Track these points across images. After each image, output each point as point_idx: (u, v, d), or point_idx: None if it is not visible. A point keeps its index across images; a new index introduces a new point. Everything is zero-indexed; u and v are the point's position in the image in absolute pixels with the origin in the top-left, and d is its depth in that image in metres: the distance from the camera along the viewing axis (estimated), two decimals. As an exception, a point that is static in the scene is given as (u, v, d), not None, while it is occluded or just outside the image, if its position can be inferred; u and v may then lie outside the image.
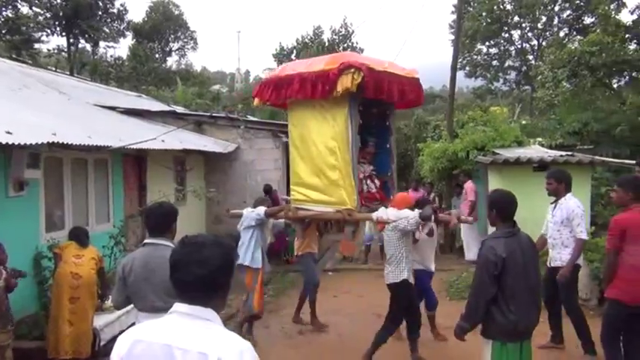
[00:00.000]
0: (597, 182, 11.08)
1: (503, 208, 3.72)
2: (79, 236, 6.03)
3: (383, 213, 5.65)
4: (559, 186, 5.76)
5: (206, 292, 1.82)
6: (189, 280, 1.81)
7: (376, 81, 5.55)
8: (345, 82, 5.37)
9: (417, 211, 5.45)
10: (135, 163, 9.40)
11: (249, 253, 6.43)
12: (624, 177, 5.35)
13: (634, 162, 10.35)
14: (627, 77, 19.74)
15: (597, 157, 9.97)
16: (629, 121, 16.05)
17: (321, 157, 5.96)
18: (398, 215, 5.49)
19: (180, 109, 15.38)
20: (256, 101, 6.51)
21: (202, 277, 1.80)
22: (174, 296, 2.07)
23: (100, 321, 6.07)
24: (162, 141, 8.84)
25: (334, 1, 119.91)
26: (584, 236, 5.62)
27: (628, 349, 4.62)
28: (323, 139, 5.92)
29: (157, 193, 8.94)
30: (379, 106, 6.46)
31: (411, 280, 5.62)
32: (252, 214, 6.50)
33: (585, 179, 9.19)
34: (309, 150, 6.09)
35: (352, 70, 5.34)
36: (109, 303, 6.47)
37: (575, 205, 5.65)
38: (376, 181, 6.43)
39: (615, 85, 20.68)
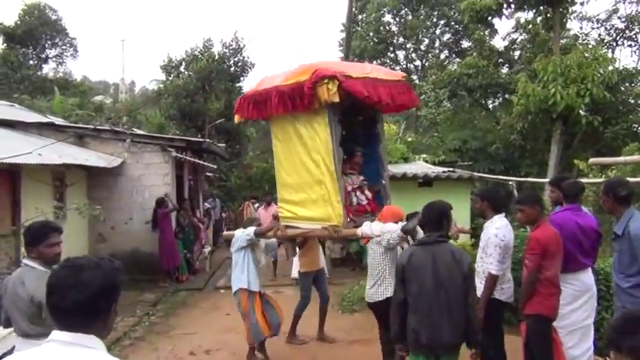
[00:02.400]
0: (475, 197, 11.94)
1: (424, 217, 4.06)
2: None
3: (367, 228, 5.35)
4: (482, 204, 5.14)
5: (85, 319, 1.73)
6: (66, 305, 1.71)
7: (357, 87, 5.29)
8: (322, 94, 5.16)
9: (400, 224, 5.17)
10: (7, 178, 8.73)
11: (243, 275, 6.21)
12: (524, 194, 5.43)
13: (508, 178, 11.31)
14: (500, 98, 21.53)
15: (476, 173, 10.77)
16: (503, 139, 17.51)
17: (305, 171, 5.75)
18: (382, 229, 5.22)
19: (59, 121, 14.48)
20: (237, 118, 6.28)
21: (79, 302, 1.71)
22: (37, 323, 2.01)
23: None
24: (39, 155, 8.32)
25: (224, 15, 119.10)
26: (494, 270, 4.75)
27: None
28: (307, 152, 5.71)
29: (34, 211, 8.36)
30: (365, 113, 6.24)
31: None
32: (242, 235, 6.29)
33: (465, 194, 9.87)
34: (293, 164, 5.90)
35: (325, 80, 5.13)
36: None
37: (492, 232, 4.90)
38: (367, 192, 6.16)
39: (490, 106, 22.45)
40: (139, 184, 11.88)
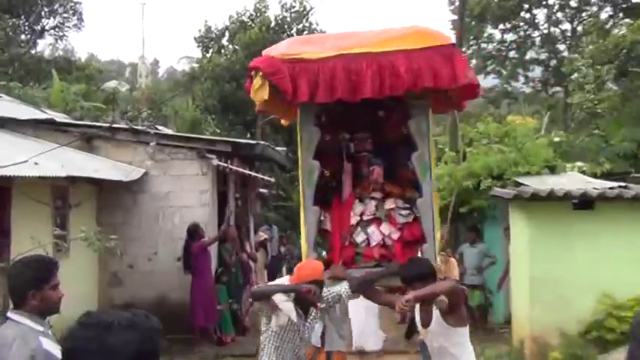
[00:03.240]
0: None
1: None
2: None
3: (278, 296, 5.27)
4: None
5: None
6: None
7: (284, 83, 5.23)
8: (252, 94, 5.45)
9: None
10: (-7, 196, 9.21)
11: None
12: None
13: None
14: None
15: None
16: None
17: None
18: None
19: (60, 117, 15.17)
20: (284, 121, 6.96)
21: None
22: None
23: None
24: (36, 164, 8.71)
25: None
26: None
27: None
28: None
29: (29, 242, 8.76)
30: (388, 107, 5.97)
31: None
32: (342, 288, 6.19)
33: (645, 222, 9.48)
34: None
35: (252, 73, 5.36)
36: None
37: None
38: (387, 226, 5.81)
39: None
40: (167, 205, 12.24)
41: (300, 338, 5.31)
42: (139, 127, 13.32)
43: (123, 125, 13.27)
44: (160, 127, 16.37)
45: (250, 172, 15.84)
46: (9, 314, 3.62)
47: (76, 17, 34.46)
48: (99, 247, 9.93)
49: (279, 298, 5.06)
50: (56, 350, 3.41)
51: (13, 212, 9.49)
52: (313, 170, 5.65)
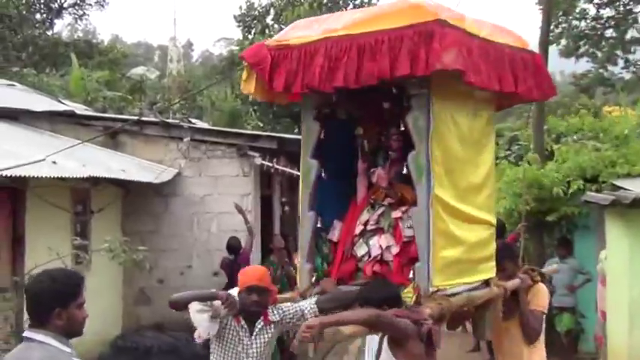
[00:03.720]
0: None
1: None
2: None
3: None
4: None
5: None
6: None
7: (293, 64, 5.23)
8: (242, 86, 5.73)
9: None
10: (6, 200, 9.41)
11: None
12: None
13: None
14: None
15: None
16: None
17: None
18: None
19: (80, 108, 15.44)
20: None
21: None
22: None
23: None
24: (54, 163, 8.87)
25: None
26: None
27: None
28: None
29: (45, 252, 8.93)
30: (393, 96, 5.77)
31: None
32: None
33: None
34: None
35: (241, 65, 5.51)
36: None
37: None
38: (387, 238, 5.60)
39: None
40: (203, 211, 12.36)
41: (246, 354, 5.04)
42: (171, 121, 13.47)
43: (152, 118, 13.40)
44: (194, 121, 16.54)
45: (299, 173, 15.86)
46: (29, 334, 3.54)
47: (97, -7, 35.00)
48: (124, 260, 10.06)
49: (193, 308, 4.82)
50: None
51: (27, 218, 9.68)
52: (311, 170, 5.58)
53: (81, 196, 10.95)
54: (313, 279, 5.56)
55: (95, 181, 10.50)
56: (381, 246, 5.47)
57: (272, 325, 5.01)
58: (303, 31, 5.42)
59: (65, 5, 34.59)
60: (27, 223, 9.66)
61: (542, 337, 5.35)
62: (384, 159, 5.85)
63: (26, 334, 3.57)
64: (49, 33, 33.10)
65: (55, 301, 3.49)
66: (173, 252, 12.00)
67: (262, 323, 4.98)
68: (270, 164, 12.79)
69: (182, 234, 12.19)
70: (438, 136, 5.07)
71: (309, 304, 5.10)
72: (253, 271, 5.28)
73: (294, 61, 5.16)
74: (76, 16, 35.40)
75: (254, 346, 5.07)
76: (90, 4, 34.94)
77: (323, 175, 5.72)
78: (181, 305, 4.85)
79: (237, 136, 13.04)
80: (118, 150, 12.52)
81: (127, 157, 12.34)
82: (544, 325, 5.37)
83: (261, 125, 21.90)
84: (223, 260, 11.32)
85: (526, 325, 5.03)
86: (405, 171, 5.48)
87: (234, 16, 29.73)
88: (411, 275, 5.18)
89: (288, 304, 5.15)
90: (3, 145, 9.78)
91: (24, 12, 30.66)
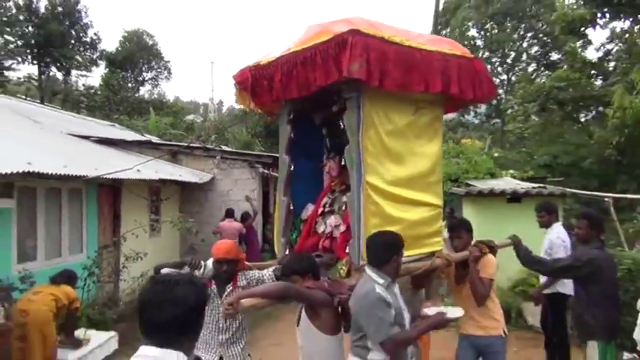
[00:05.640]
0: (568, 214, 11.37)
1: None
2: (55, 276, 5.94)
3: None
4: (550, 217, 6.19)
5: (177, 334, 1.74)
6: (162, 320, 1.73)
7: (264, 80, 4.26)
8: (238, 102, 4.88)
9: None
10: (110, 193, 9.34)
11: None
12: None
13: (604, 194, 10.72)
14: (594, 112, 20.45)
15: (568, 190, 10.28)
16: (597, 154, 16.62)
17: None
18: None
19: (155, 139, 15.35)
20: None
21: (176, 316, 1.73)
22: None
23: (70, 356, 5.98)
24: (138, 171, 8.85)
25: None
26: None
27: None
28: None
29: (133, 223, 8.89)
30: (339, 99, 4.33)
31: None
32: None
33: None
34: None
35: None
36: (82, 335, 6.40)
37: (555, 235, 6.06)
38: (335, 218, 4.54)
39: (583, 120, 21.40)
40: (228, 199, 12.31)
41: (218, 311, 3.98)
42: (209, 146, 13.45)
43: (198, 145, 13.39)
44: (223, 147, 16.49)
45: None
46: (368, 270, 3.34)
47: (166, 71, 34.81)
48: (180, 227, 10.05)
49: (164, 272, 3.64)
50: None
51: (122, 204, 9.62)
52: (285, 164, 4.57)
53: (155, 190, 10.89)
54: (287, 251, 4.57)
55: (163, 182, 10.45)
56: (331, 225, 4.48)
57: (239, 289, 3.95)
58: (274, 52, 4.28)
59: (146, 78, 34.39)
60: (122, 206, 9.61)
61: (495, 300, 4.46)
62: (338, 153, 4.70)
63: (366, 270, 3.37)
64: (137, 95, 32.83)
65: (393, 250, 3.31)
66: (210, 224, 11.82)
67: (231, 287, 4.01)
68: (268, 172, 12.76)
69: (215, 213, 12.10)
70: (369, 132, 3.92)
71: (268, 273, 4.12)
72: (222, 246, 4.09)
73: (264, 79, 4.22)
74: (153, 85, 35.20)
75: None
76: (161, 78, 34.78)
77: (292, 168, 4.61)
78: (157, 270, 3.88)
79: (248, 155, 13.04)
80: (177, 164, 12.47)
81: (182, 167, 12.30)
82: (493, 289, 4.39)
83: (263, 149, 21.78)
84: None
85: (475, 291, 4.20)
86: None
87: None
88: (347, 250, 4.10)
89: (255, 271, 4.15)
90: (108, 160, 9.74)
91: (121, 82, 30.37)
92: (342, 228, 4.32)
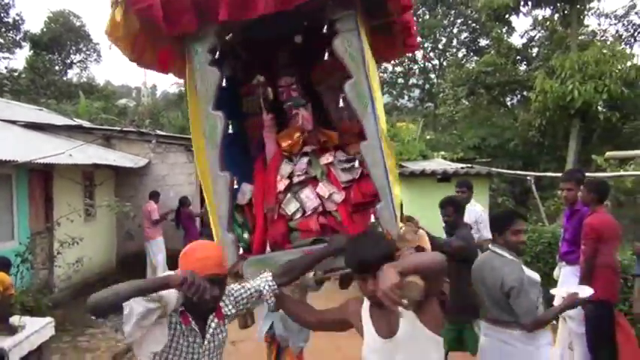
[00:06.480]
0: (494, 193, 12.03)
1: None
2: None
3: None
4: (470, 193, 6.52)
5: None
6: None
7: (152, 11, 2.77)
8: (110, 31, 2.88)
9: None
10: (41, 178, 9.08)
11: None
12: (589, 179, 5.39)
13: (526, 173, 11.39)
14: (519, 95, 21.52)
15: (493, 169, 10.86)
16: (521, 136, 17.56)
17: (197, 158, 3.23)
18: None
19: (86, 124, 14.91)
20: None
21: None
22: (506, 310, 2.75)
23: (6, 343, 5.88)
24: (70, 155, 8.65)
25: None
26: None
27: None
28: (192, 122, 3.22)
29: (66, 209, 8.71)
30: (307, 30, 3.17)
31: None
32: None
33: (484, 190, 9.96)
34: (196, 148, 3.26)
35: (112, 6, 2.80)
36: (17, 322, 6.29)
37: (481, 208, 6.54)
38: (327, 186, 3.23)
39: (509, 103, 22.44)
40: (164, 184, 12.16)
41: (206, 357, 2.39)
42: (144, 130, 13.22)
43: (132, 129, 13.13)
44: (158, 131, 16.23)
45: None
46: (490, 247, 3.53)
47: (96, 54, 33.62)
48: (118, 211, 9.93)
49: (136, 310, 2.07)
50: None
51: (54, 189, 9.39)
52: (216, 124, 2.97)
53: (88, 175, 10.62)
54: (240, 251, 3.03)
55: (97, 166, 10.23)
56: (320, 196, 3.19)
57: (226, 320, 2.50)
58: None
59: (75, 61, 33.09)
60: (54, 191, 9.37)
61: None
62: (296, 106, 3.45)
63: (490, 247, 3.56)
64: (65, 78, 31.56)
65: (496, 228, 3.52)
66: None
67: (216, 320, 2.43)
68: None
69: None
70: (371, 63, 2.97)
71: (265, 282, 2.64)
72: (210, 253, 2.34)
73: None
74: (82, 68, 33.91)
75: (208, 351, 2.40)
76: (90, 61, 33.57)
77: (229, 129, 3.07)
78: (108, 308, 2.04)
79: (183, 139, 12.90)
80: (110, 148, 12.21)
81: (116, 152, 12.06)
82: None
83: (199, 134, 21.61)
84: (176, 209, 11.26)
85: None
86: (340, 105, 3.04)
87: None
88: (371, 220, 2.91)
89: (237, 286, 2.62)
90: (39, 145, 9.47)
91: (47, 65, 29.10)
92: (339, 197, 3.17)
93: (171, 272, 2.27)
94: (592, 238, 4.58)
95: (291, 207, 3.21)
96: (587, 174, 7.08)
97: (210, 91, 2.97)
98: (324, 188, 3.21)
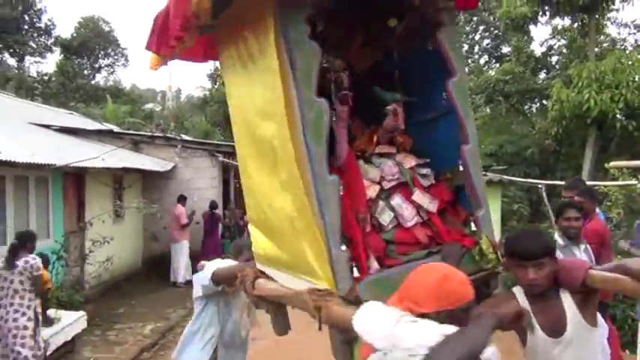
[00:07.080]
0: (510, 200, 12.27)
1: None
2: None
3: (365, 324, 1.89)
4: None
5: None
6: None
7: None
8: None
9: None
10: (74, 180, 9.62)
11: (185, 346, 3.74)
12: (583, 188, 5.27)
13: (537, 181, 11.63)
14: (537, 104, 21.65)
15: (505, 177, 11.11)
16: (538, 144, 17.71)
17: (257, 153, 2.68)
18: (395, 337, 1.71)
19: (116, 128, 15.51)
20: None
21: None
22: None
23: (45, 333, 6.38)
24: (103, 159, 9.17)
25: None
26: None
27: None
28: (258, 112, 2.58)
29: (97, 210, 9.23)
30: (406, 12, 2.80)
31: None
32: (200, 275, 3.63)
33: (496, 197, 10.23)
34: (247, 137, 2.82)
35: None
36: (54, 314, 6.82)
37: None
38: (421, 195, 2.80)
39: (527, 111, 22.56)
40: (189, 187, 12.65)
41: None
42: (170, 136, 13.68)
43: (159, 134, 13.61)
44: (183, 136, 16.74)
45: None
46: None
47: (123, 58, 34.43)
48: (145, 212, 10.39)
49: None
50: None
51: (87, 191, 9.90)
52: (322, 114, 2.29)
53: (118, 178, 11.14)
54: (355, 272, 2.42)
55: (126, 170, 10.72)
56: (416, 204, 2.75)
57: None
58: None
59: (102, 65, 33.96)
60: (86, 194, 9.89)
61: None
62: (395, 101, 2.87)
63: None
64: (93, 82, 32.45)
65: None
66: (171, 210, 12.01)
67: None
68: (228, 160, 13.09)
69: (176, 200, 12.39)
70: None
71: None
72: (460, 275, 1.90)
73: None
74: (109, 72, 34.78)
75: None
76: (118, 65, 34.41)
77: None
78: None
79: (208, 144, 13.40)
80: (138, 152, 12.72)
81: (144, 156, 12.56)
82: None
83: (223, 138, 22.07)
84: (205, 213, 11.72)
85: None
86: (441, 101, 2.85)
87: (207, 74, 29.62)
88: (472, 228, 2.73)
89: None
90: (73, 149, 10.00)
91: (76, 69, 29.98)
92: (433, 205, 2.78)
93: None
94: (597, 243, 4.82)
95: (385, 217, 2.69)
96: (597, 183, 7.31)
97: (311, 72, 2.29)
98: (421, 196, 2.76)
